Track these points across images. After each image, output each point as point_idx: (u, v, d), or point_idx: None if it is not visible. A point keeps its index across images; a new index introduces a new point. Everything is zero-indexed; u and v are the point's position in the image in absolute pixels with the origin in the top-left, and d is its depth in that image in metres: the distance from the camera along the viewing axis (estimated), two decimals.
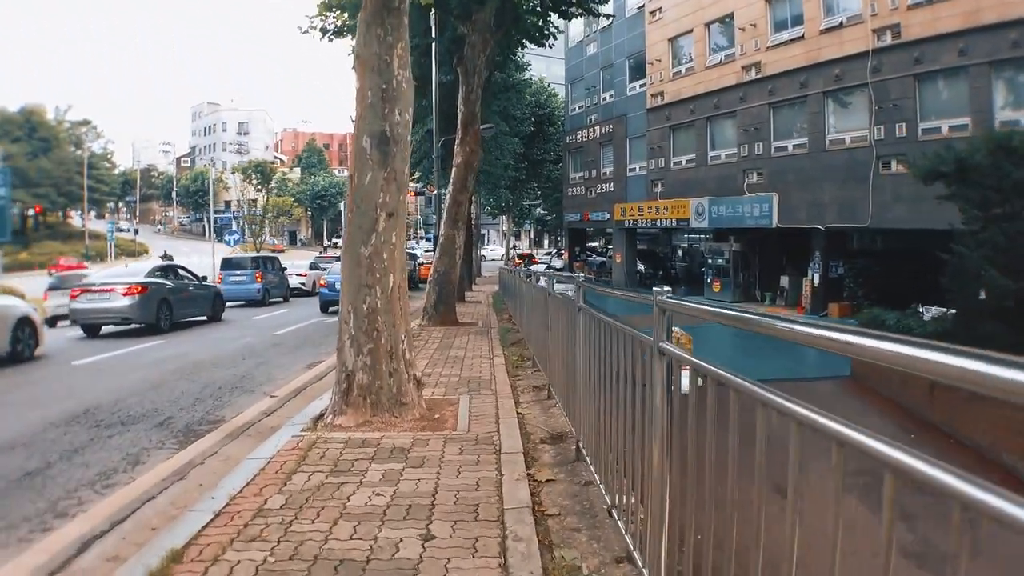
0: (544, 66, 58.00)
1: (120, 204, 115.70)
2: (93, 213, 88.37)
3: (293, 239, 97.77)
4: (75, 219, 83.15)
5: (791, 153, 26.63)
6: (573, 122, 41.66)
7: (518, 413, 6.24)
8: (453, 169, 14.64)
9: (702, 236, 37.83)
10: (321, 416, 6.20)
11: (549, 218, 60.74)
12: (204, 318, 17.87)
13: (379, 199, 6.12)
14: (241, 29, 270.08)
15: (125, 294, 14.93)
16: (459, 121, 14.35)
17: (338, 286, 18.48)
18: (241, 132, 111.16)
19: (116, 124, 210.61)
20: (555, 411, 6.25)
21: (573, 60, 41.81)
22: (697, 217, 30.10)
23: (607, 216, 36.99)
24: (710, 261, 30.72)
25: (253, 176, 58.90)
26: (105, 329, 15.76)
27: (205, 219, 67.04)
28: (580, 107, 40.84)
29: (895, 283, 25.20)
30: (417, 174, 28.14)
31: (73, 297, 15.33)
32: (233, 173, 65.91)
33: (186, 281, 17.22)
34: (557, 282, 6.88)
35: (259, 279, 23.21)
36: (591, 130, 38.94)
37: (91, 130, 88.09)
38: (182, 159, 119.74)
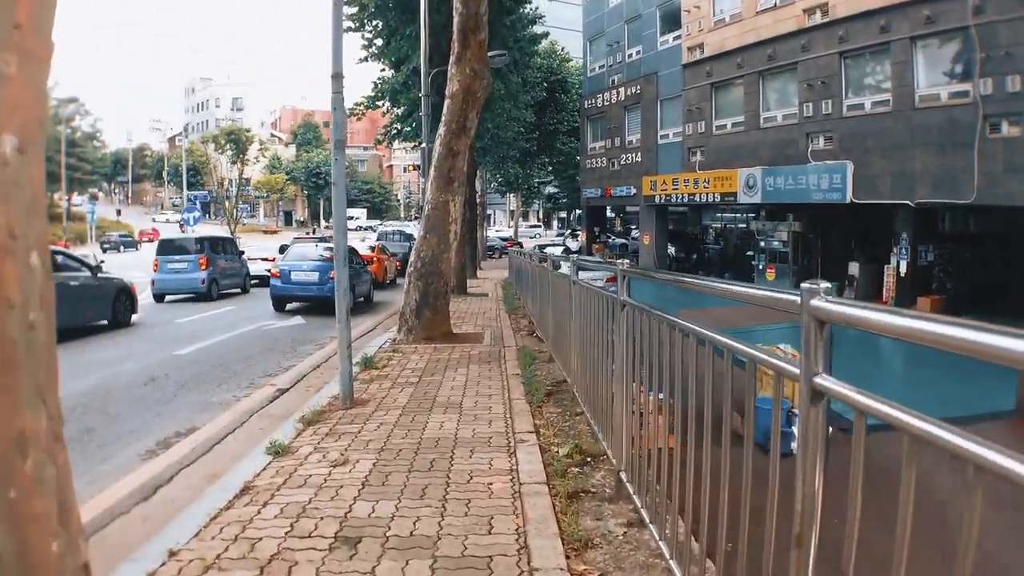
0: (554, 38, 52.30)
1: (113, 185, 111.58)
2: (88, 195, 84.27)
3: (288, 219, 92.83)
4: (75, 200, 78.93)
5: (869, 112, 21.69)
6: (592, 84, 36.40)
7: None
8: (446, 102, 9.54)
9: (742, 214, 32.87)
10: None
11: (562, 197, 55.63)
12: (104, 322, 12.87)
13: None
14: (244, 4, 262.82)
15: None
16: (455, 29, 9.23)
17: (295, 276, 13.41)
18: (235, 108, 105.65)
19: (114, 104, 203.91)
20: None
21: (592, 14, 36.49)
22: (747, 191, 25.00)
23: (633, 191, 31.89)
24: (762, 244, 25.62)
25: (227, 145, 52.79)
26: None
27: (198, 199, 61.81)
28: (600, 67, 35.58)
29: (994, 273, 20.82)
30: (407, 131, 22.65)
31: None
32: (204, 143, 60.25)
33: (69, 273, 12.18)
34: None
35: (203, 266, 18.18)
36: (614, 92, 33.72)
37: (78, 107, 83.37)
38: (176, 138, 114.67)
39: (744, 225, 33.40)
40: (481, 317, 13.63)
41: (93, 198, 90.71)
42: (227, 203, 51.72)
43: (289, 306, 15.63)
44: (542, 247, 31.72)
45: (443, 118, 9.51)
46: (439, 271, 9.88)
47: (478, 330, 11.20)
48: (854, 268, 23.30)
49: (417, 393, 6.53)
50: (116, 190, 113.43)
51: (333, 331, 12.67)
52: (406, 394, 6.48)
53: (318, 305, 15.48)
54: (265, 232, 69.54)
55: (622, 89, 33.09)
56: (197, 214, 27.25)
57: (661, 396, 3.13)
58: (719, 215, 35.62)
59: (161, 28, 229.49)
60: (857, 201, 21.52)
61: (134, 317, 13.89)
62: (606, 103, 34.39)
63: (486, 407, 5.92)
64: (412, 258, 9.97)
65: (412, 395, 6.44)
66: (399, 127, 21.73)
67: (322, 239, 28.23)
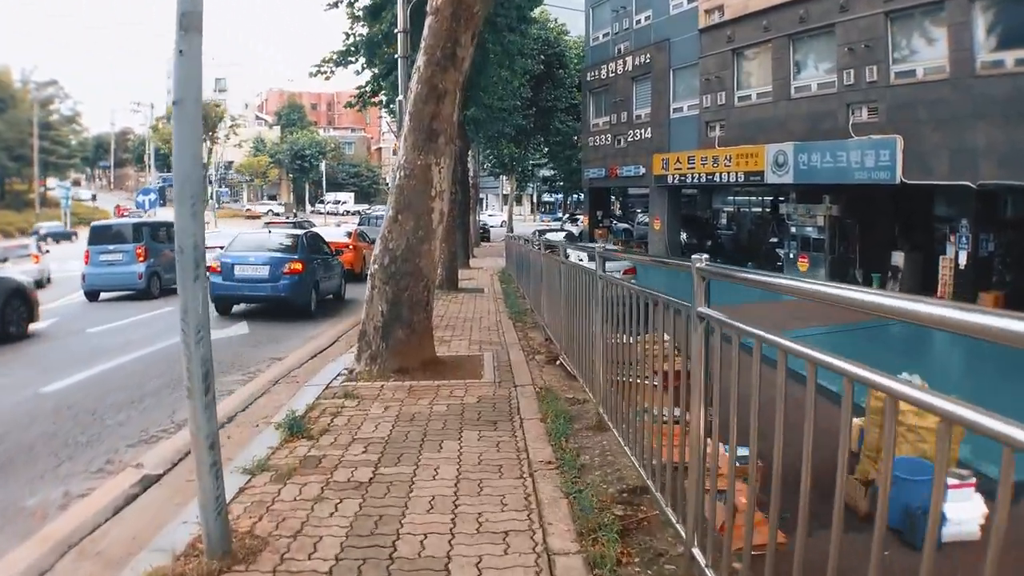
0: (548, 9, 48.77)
1: (95, 170, 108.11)
2: (70, 180, 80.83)
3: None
4: (52, 186, 75.50)
5: (921, 80, 18.93)
6: (596, 54, 33.32)
7: None
8: (427, 22, 6.46)
9: (759, 197, 30.08)
10: None
11: (558, 180, 52.48)
12: None
13: None
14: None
15: None
16: None
17: (240, 271, 9.46)
18: (217, 89, 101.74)
19: (101, 88, 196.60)
20: None
21: None
22: (776, 169, 22.12)
23: (642, 170, 28.93)
24: (793, 230, 22.76)
25: None
26: None
27: (168, 182, 58.20)
28: (605, 35, 32.53)
29: None
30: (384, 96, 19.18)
31: None
32: (168, 119, 56.83)
33: None
34: None
35: (142, 257, 15.13)
36: (620, 62, 30.65)
37: (58, 90, 79.58)
38: (159, 121, 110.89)
39: (760, 209, 30.61)
40: (477, 326, 10.67)
41: (75, 183, 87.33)
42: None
43: (237, 308, 12.63)
44: (541, 232, 28.67)
45: (422, 44, 6.47)
46: (416, 270, 6.87)
47: (473, 351, 8.18)
48: (898, 258, 20.56)
49: (362, 523, 3.43)
50: (99, 175, 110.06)
51: (279, 347, 9.68)
52: (340, 527, 3.38)
53: (271, 307, 12.50)
54: (247, 217, 66.55)
55: (629, 58, 30.05)
56: (154, 197, 24.00)
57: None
58: (731, 198, 32.75)
59: (161, 28, 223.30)
60: (908, 181, 18.69)
61: (35, 326, 10.89)
62: (611, 74, 31.34)
63: None
64: (377, 250, 6.93)
65: (351, 531, 3.35)
66: (374, 87, 18.42)
67: (298, 224, 24.68)
